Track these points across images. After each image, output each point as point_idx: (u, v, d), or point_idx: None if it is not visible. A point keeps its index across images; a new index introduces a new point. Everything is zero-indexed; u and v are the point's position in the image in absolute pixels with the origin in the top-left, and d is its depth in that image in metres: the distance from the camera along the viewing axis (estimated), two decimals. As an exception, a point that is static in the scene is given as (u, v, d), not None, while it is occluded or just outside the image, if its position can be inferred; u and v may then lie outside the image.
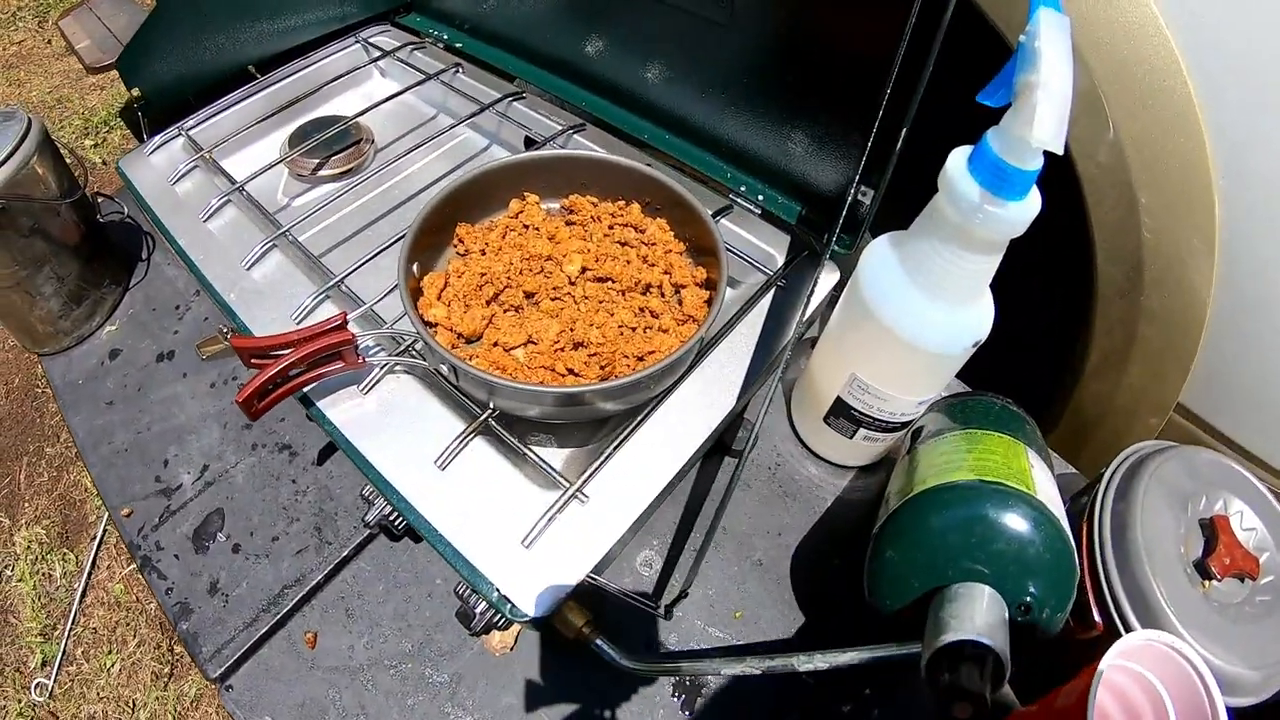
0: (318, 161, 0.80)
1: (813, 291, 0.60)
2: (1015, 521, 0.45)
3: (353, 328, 0.55)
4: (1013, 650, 0.42)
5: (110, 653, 1.15)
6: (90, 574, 1.22)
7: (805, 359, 0.68)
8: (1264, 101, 0.57)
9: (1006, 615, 0.44)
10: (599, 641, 0.50)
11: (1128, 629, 0.48)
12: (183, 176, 0.78)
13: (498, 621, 0.50)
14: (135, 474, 0.73)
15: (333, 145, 0.81)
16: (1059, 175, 0.68)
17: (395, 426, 0.56)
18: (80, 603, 1.19)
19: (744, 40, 0.66)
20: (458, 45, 0.91)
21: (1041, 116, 0.37)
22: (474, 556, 0.49)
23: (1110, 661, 0.41)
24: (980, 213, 0.43)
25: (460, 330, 0.56)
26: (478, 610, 0.50)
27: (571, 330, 0.56)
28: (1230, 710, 0.43)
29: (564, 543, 0.50)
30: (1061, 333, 0.78)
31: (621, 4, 0.74)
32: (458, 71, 0.87)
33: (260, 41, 0.90)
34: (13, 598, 1.21)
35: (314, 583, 0.62)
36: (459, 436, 0.54)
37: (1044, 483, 0.50)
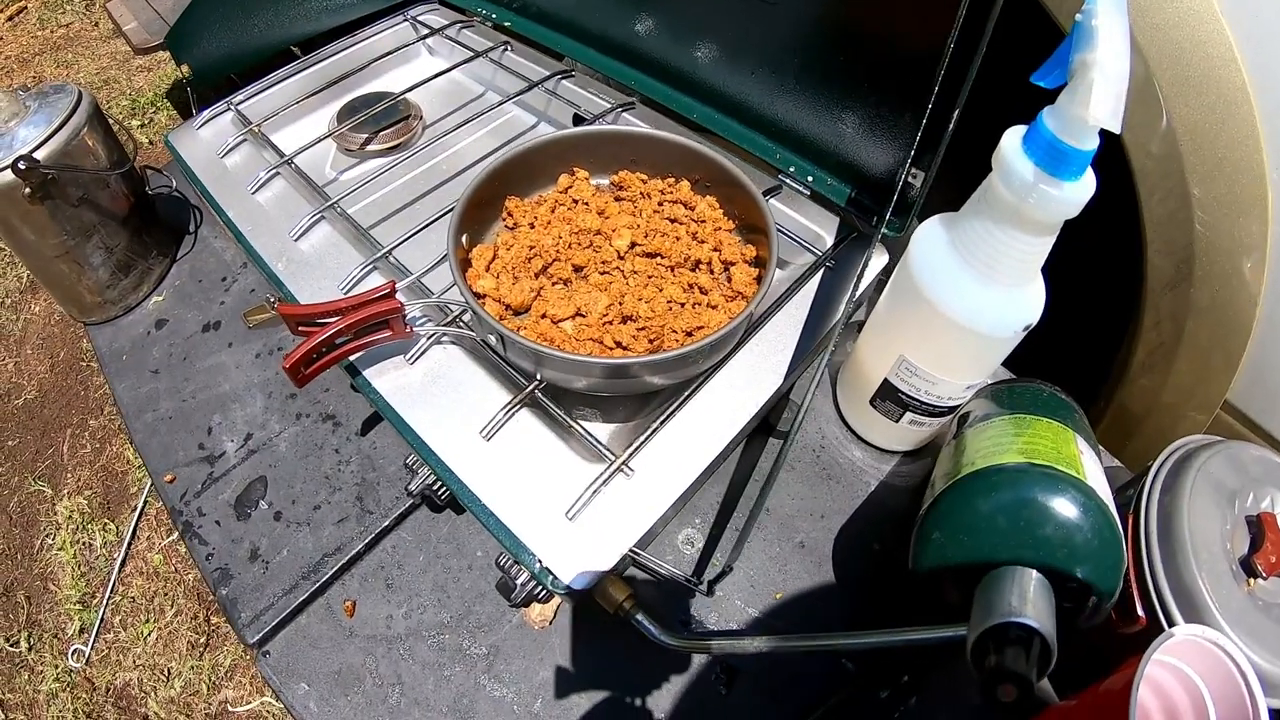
0: (366, 136, 0.80)
1: (863, 273, 0.60)
2: (1064, 506, 0.44)
3: (400, 297, 0.55)
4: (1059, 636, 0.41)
5: (147, 622, 1.16)
6: (130, 544, 1.24)
7: (852, 342, 0.67)
8: None
9: (1053, 600, 0.42)
10: (639, 617, 0.49)
11: (1171, 624, 0.47)
12: (231, 150, 0.78)
13: (539, 594, 0.49)
14: (179, 441, 0.74)
15: (381, 121, 0.81)
16: (1110, 164, 0.66)
17: (441, 396, 0.56)
18: (119, 572, 1.21)
19: (794, 20, 0.65)
20: (506, 24, 0.91)
21: (1098, 95, 0.37)
22: (517, 527, 0.49)
23: (1155, 656, 0.40)
24: (1034, 192, 0.42)
25: (508, 302, 0.56)
26: (519, 581, 0.50)
27: (620, 304, 0.56)
28: (1272, 711, 0.42)
29: (608, 516, 0.50)
30: (1109, 326, 0.76)
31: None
32: (506, 49, 0.87)
33: (309, 18, 0.90)
34: (53, 565, 1.23)
35: (354, 551, 0.62)
36: (505, 407, 0.53)
37: (1093, 470, 0.49)
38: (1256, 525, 0.50)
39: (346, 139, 0.80)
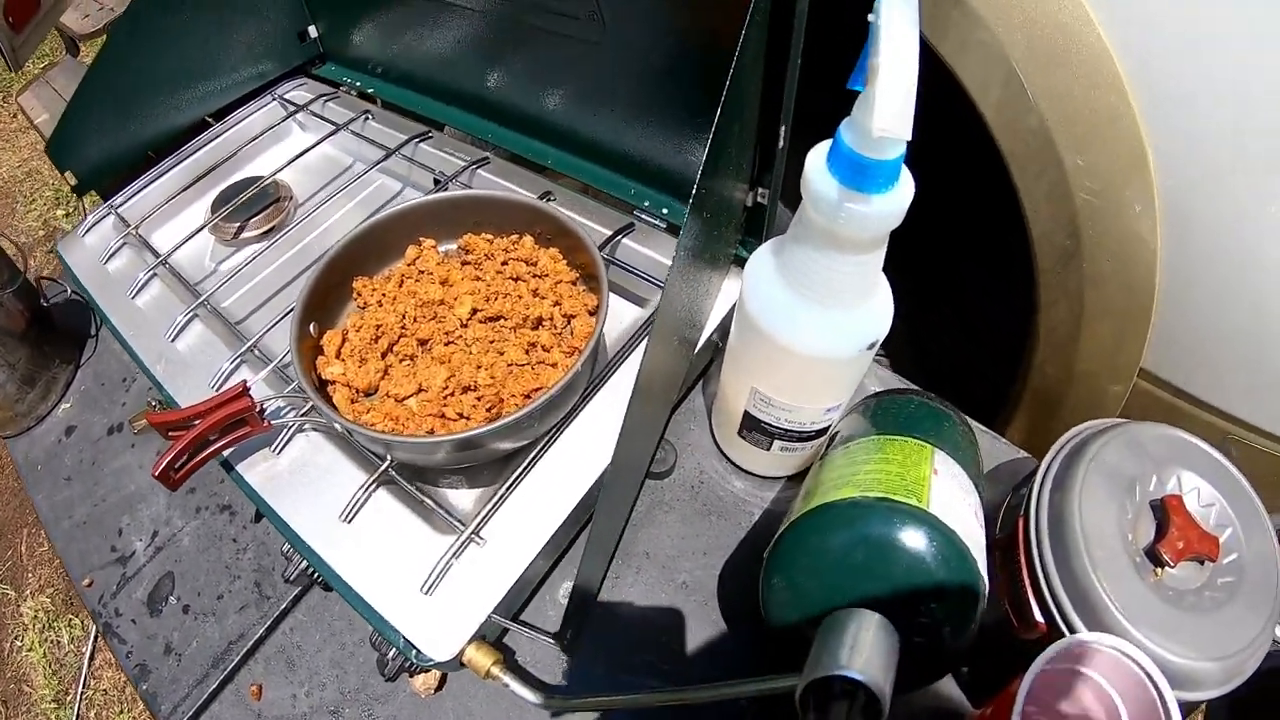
0: (239, 224, 0.82)
1: (716, 302, 0.61)
2: (903, 539, 0.43)
3: (261, 391, 0.57)
4: (921, 670, 0.41)
5: (121, 712, 1.19)
6: (96, 638, 1.26)
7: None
8: (1183, 50, 0.55)
9: (895, 642, 0.40)
10: (507, 681, 0.51)
11: (1071, 629, 0.45)
12: (113, 254, 0.80)
13: (409, 666, 0.52)
14: (93, 545, 0.76)
15: (252, 206, 0.83)
16: (979, 146, 0.67)
17: (305, 483, 0.58)
18: (89, 666, 1.23)
19: (620, 56, 0.67)
20: (370, 91, 0.93)
21: (880, 103, 0.34)
22: (379, 604, 0.51)
23: (1037, 670, 0.39)
24: (842, 211, 0.40)
25: (357, 385, 0.58)
26: (389, 656, 0.52)
27: (459, 375, 0.58)
28: (1188, 705, 0.41)
29: (463, 586, 0.52)
30: (1012, 310, 0.76)
31: (511, 35, 0.75)
32: (368, 118, 0.89)
33: (182, 109, 0.92)
34: (25, 667, 1.25)
35: (256, 637, 0.65)
36: (361, 488, 0.56)
37: (945, 491, 0.47)
38: (1161, 510, 0.47)
39: (221, 229, 0.82)
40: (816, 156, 0.41)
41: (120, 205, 0.85)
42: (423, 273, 0.66)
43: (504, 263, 0.66)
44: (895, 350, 1.03)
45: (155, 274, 0.77)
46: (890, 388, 0.69)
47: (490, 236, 0.68)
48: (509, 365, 0.59)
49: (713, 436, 0.69)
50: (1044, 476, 0.50)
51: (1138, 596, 0.44)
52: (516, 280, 0.65)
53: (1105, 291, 0.65)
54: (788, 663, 0.42)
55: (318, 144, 0.86)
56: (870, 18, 0.35)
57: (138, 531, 0.75)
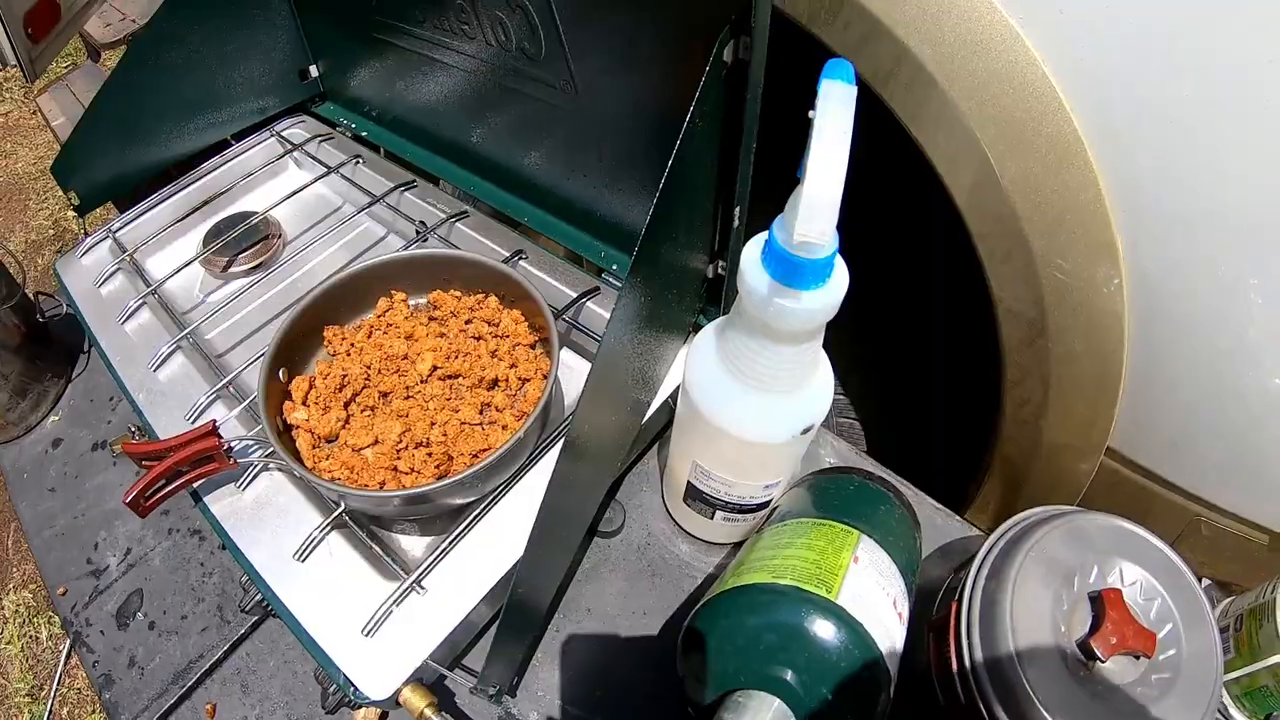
0: (228, 259, 0.87)
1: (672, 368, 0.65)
2: (808, 627, 0.44)
3: (232, 429, 0.62)
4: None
5: (94, 712, 1.22)
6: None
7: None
8: (1156, 134, 0.55)
9: None
10: (439, 720, 0.55)
11: (992, 716, 0.46)
12: (107, 278, 0.85)
13: (347, 702, 0.56)
14: (70, 556, 0.80)
15: (242, 241, 0.87)
16: (953, 227, 0.68)
17: (265, 520, 0.62)
18: (65, 664, 1.27)
19: (592, 119, 0.70)
20: (364, 134, 0.98)
21: (803, 212, 0.35)
22: (323, 642, 0.55)
23: None
24: (771, 305, 0.41)
25: (319, 432, 0.62)
26: (330, 691, 0.56)
27: (412, 430, 0.62)
28: None
29: (402, 632, 0.55)
30: (979, 388, 0.77)
31: (494, 95, 0.79)
32: (358, 163, 0.94)
33: (187, 137, 0.96)
34: (2, 659, 1.29)
35: (215, 658, 0.68)
36: (317, 529, 0.60)
37: (860, 581, 0.48)
38: (1098, 603, 0.47)
39: (211, 262, 0.87)
40: (752, 249, 0.43)
41: (119, 230, 0.89)
42: (390, 326, 0.70)
43: (467, 321, 0.70)
44: (869, 418, 1.06)
45: (145, 302, 0.81)
46: (840, 465, 0.72)
47: (459, 294, 0.72)
48: (461, 424, 0.63)
49: (663, 500, 0.72)
50: (981, 562, 0.51)
51: (1065, 692, 0.44)
52: (478, 339, 0.69)
53: (1073, 370, 0.66)
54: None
55: (308, 185, 0.91)
56: (810, 113, 0.36)
57: (113, 547, 0.79)
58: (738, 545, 0.67)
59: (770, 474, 0.56)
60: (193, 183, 0.94)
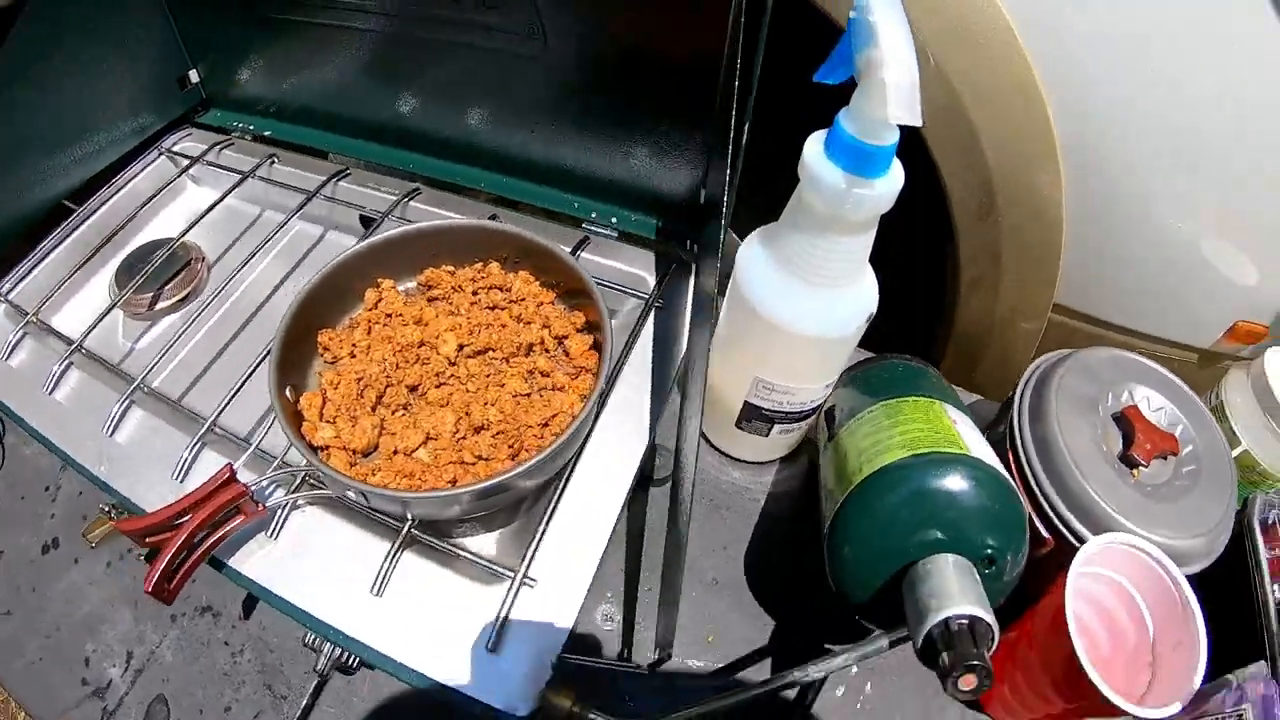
0: (151, 295, 0.75)
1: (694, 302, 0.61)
2: (959, 485, 0.46)
3: (243, 475, 0.52)
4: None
5: None
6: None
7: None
8: (1083, 27, 0.62)
9: (976, 576, 0.44)
10: (591, 716, 0.49)
11: (1076, 537, 0.50)
12: (14, 348, 0.71)
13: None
14: (59, 681, 0.67)
15: (163, 274, 0.75)
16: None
17: (316, 565, 0.53)
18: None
19: (562, 67, 0.65)
20: (267, 133, 0.86)
21: (894, 92, 0.37)
22: (439, 675, 0.48)
23: (1076, 571, 0.44)
24: (850, 197, 0.43)
25: (354, 447, 0.54)
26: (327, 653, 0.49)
27: (468, 415, 0.54)
28: (1194, 582, 0.46)
29: (526, 633, 0.49)
30: (933, 266, 0.81)
31: (426, 53, 0.71)
32: (274, 162, 0.82)
33: (58, 177, 0.82)
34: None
35: (284, 740, 0.59)
36: (387, 556, 0.51)
37: (969, 434, 0.51)
38: (1124, 421, 0.54)
39: (132, 303, 0.74)
40: (816, 145, 0.44)
41: (10, 292, 0.75)
42: (390, 315, 0.61)
43: (475, 293, 0.63)
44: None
45: (71, 362, 0.68)
46: (863, 358, 0.71)
47: (451, 268, 0.64)
48: (514, 396, 0.56)
49: (701, 433, 0.69)
50: (1019, 411, 0.56)
51: (1125, 497, 0.50)
52: (494, 309, 0.62)
53: (1020, 239, 0.72)
54: (857, 626, 0.48)
55: (222, 198, 0.79)
56: (852, 14, 0.38)
57: (108, 657, 0.67)
58: (784, 460, 0.69)
59: (832, 371, 0.57)
60: (80, 224, 0.80)
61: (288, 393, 0.55)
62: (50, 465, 0.80)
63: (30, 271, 0.77)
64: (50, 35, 0.73)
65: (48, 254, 0.78)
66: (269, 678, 0.62)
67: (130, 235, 0.81)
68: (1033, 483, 0.53)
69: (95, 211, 0.81)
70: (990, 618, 0.41)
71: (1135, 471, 0.53)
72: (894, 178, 0.43)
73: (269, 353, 0.55)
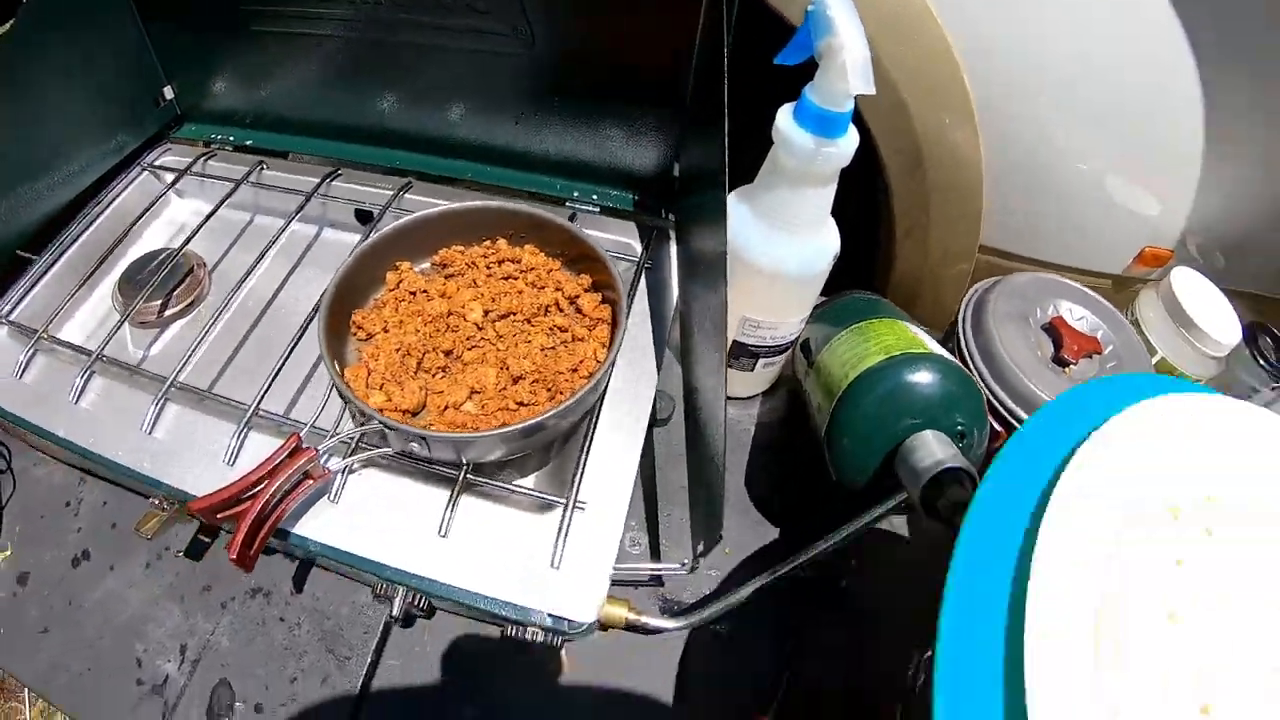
0: (159, 303, 0.77)
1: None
2: (931, 376, 0.56)
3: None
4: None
5: None
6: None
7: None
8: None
9: (954, 446, 0.53)
10: (647, 621, 0.55)
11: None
12: (27, 366, 0.72)
13: (556, 642, 0.54)
14: (111, 687, 0.68)
15: (168, 283, 0.78)
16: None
17: (380, 519, 0.58)
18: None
19: (546, 63, 0.71)
20: (248, 143, 0.89)
21: (852, 70, 0.46)
22: (511, 596, 0.53)
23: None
24: (818, 155, 0.52)
25: (405, 408, 0.59)
26: (535, 640, 0.54)
27: (506, 368, 0.60)
28: None
29: (584, 550, 0.55)
30: (874, 219, 0.88)
31: (414, 58, 0.76)
32: (263, 168, 0.86)
33: (49, 195, 0.83)
34: None
35: (353, 703, 0.63)
36: (448, 502, 0.57)
37: (930, 341, 0.61)
38: (1053, 330, 0.65)
39: (140, 312, 0.76)
40: (786, 116, 0.53)
41: (10, 314, 0.76)
42: (414, 293, 0.67)
43: (488, 266, 0.68)
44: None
45: (93, 371, 0.70)
46: (827, 297, 0.80)
47: (461, 248, 0.70)
48: (541, 350, 0.62)
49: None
50: (963, 329, 0.67)
51: (1061, 389, 0.58)
52: (509, 279, 0.68)
53: (945, 194, 0.80)
54: (853, 508, 0.55)
55: (219, 206, 0.82)
56: (810, 7, 0.48)
57: (161, 653, 0.69)
58: (767, 394, 0.78)
59: (807, 305, 0.66)
60: (72, 242, 0.82)
61: (336, 367, 0.60)
62: (67, 481, 0.81)
63: (28, 293, 0.78)
64: (26, 60, 0.75)
65: (43, 275, 0.80)
66: (330, 643, 0.66)
67: (123, 251, 0.83)
68: (981, 386, 0.61)
69: (85, 230, 0.83)
70: (972, 469, 0.50)
71: (1067, 370, 0.63)
72: (852, 138, 0.52)
73: (301, 336, 0.62)
